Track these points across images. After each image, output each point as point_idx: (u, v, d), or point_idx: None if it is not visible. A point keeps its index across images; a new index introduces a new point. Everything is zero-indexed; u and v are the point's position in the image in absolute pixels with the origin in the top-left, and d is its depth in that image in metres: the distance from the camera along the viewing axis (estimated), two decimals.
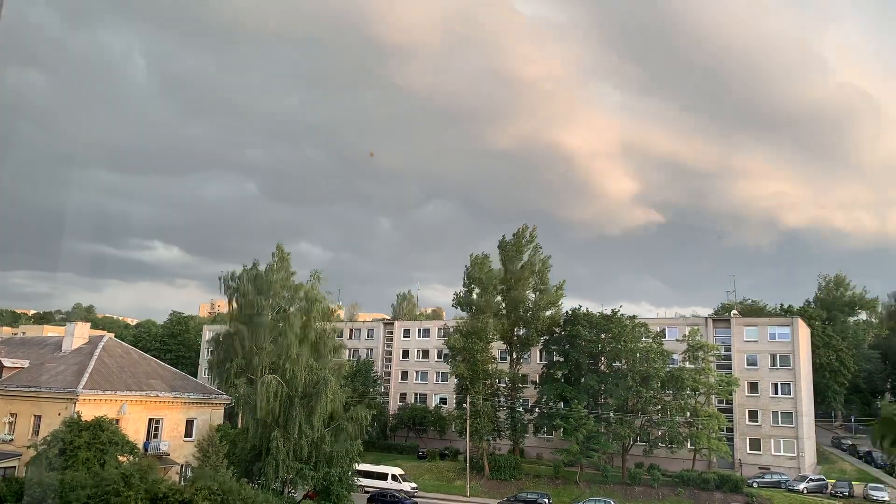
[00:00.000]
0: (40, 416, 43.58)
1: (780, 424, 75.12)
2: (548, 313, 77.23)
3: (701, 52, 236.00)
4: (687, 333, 72.61)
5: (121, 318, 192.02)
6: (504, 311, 77.32)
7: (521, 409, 76.68)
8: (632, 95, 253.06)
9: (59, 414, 41.06)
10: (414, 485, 66.07)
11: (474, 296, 77.42)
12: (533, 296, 77.62)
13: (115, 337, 63.92)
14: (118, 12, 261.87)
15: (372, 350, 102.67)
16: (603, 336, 71.72)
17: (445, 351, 76.88)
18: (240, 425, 54.94)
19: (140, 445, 42.09)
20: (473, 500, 66.20)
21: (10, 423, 45.23)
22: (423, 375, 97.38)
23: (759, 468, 72.93)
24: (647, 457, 68.77)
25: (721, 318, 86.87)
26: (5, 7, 5.79)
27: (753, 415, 76.59)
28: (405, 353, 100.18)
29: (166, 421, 47.36)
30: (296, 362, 45.35)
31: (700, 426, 66.99)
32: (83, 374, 44.03)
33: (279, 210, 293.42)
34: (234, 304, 61.08)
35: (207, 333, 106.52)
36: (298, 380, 44.10)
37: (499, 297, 77.56)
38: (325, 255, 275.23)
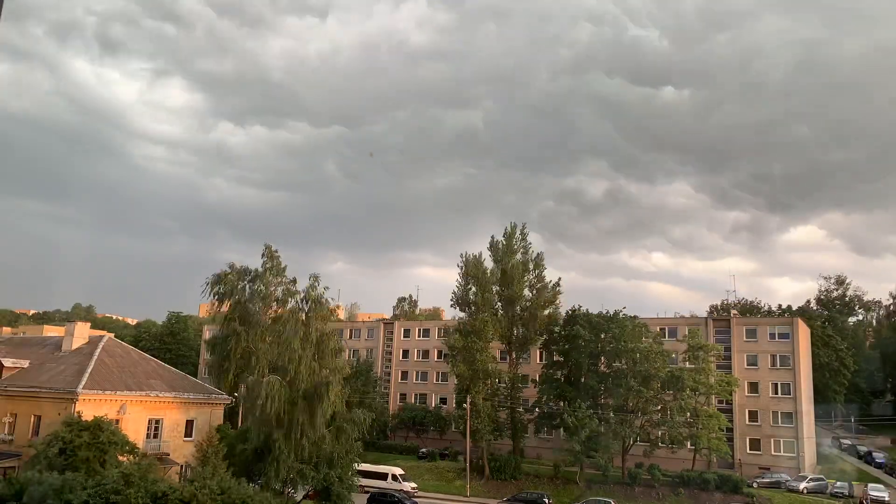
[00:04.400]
0: (40, 416, 43.59)
1: (780, 424, 75.13)
2: (545, 312, 77.09)
3: None
4: (687, 333, 72.64)
5: (121, 317, 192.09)
6: (501, 310, 77.14)
7: (521, 409, 76.61)
8: None
9: (59, 414, 41.00)
10: (414, 485, 66.01)
11: (471, 295, 77.24)
12: (530, 294, 77.48)
13: (115, 337, 63.88)
14: None
15: (372, 350, 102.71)
16: (603, 336, 71.66)
17: (445, 351, 76.76)
18: (239, 426, 54.84)
19: (140, 445, 42.04)
20: (473, 500, 66.16)
21: (10, 423, 45.24)
22: (423, 375, 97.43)
23: (759, 468, 72.93)
24: (648, 457, 68.72)
25: (721, 318, 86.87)
26: (5, 8, 5.79)
27: (753, 415, 76.60)
28: (405, 353, 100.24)
29: (166, 421, 47.36)
30: (299, 363, 45.20)
31: (700, 426, 66.99)
32: (83, 374, 44.03)
33: None
34: (228, 306, 60.85)
35: (207, 333, 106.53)
36: (301, 381, 43.99)
37: (496, 296, 77.31)
38: None
